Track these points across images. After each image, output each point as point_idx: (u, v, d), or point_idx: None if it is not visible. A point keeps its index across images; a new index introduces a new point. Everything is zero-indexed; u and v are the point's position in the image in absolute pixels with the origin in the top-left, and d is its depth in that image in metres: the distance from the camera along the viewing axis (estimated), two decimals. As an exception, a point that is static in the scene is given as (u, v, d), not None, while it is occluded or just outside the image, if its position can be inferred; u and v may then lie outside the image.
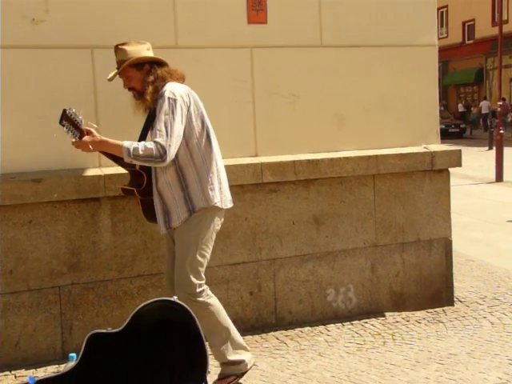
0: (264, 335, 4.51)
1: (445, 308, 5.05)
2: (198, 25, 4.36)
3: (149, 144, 3.38)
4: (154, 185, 3.62)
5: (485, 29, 32.86)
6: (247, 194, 4.53)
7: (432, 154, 4.97)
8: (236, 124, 4.52)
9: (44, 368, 3.98)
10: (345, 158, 4.75)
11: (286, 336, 4.50)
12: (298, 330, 4.60)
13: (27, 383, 2.89)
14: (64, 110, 3.30)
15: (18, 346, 4.02)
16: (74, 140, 3.41)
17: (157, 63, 3.63)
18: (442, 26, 36.26)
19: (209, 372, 3.17)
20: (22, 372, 3.92)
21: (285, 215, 4.65)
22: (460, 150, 5.11)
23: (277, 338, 4.46)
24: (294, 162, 4.59)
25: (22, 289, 4.00)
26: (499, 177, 13.10)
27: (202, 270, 3.62)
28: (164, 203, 3.61)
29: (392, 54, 4.92)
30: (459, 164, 5.09)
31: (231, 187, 4.39)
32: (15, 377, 3.89)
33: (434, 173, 5.04)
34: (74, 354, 3.13)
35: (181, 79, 3.65)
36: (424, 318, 4.83)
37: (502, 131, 14.07)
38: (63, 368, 3.16)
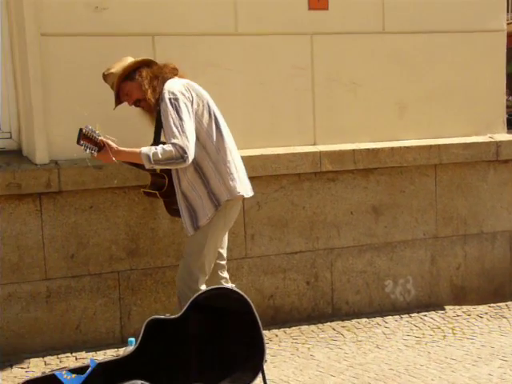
0: (320, 325, 4.47)
1: (508, 303, 4.91)
2: (258, 11, 4.32)
3: (167, 147, 3.32)
4: (176, 187, 3.54)
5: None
6: (305, 182, 4.49)
7: (497, 143, 4.83)
8: (295, 112, 4.48)
9: (103, 351, 4.04)
10: (405, 147, 4.65)
11: (343, 327, 4.45)
12: (354, 321, 4.55)
13: (88, 365, 2.92)
14: (80, 130, 3.26)
15: (79, 328, 4.09)
16: (92, 154, 3.37)
17: (145, 65, 3.56)
18: (508, 11, 35.17)
19: (265, 360, 3.15)
20: (83, 354, 3.99)
21: (343, 205, 4.59)
22: (527, 140, 4.94)
23: (333, 329, 4.42)
24: (353, 150, 4.52)
25: (82, 273, 4.06)
26: None
27: (209, 265, 3.60)
28: (190, 204, 3.54)
29: (457, 40, 4.79)
30: (526, 154, 4.93)
31: (289, 175, 4.40)
32: (76, 359, 3.96)
33: (498, 163, 4.89)
34: (132, 339, 3.16)
35: (173, 72, 3.58)
36: (486, 313, 4.70)
37: None
38: (122, 352, 3.20)
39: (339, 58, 4.54)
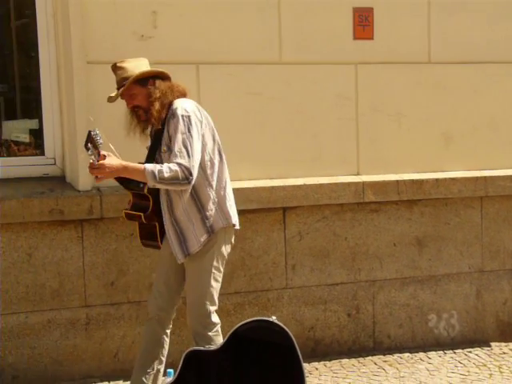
0: (361, 359, 4.37)
1: (556, 341, 4.74)
2: (302, 40, 4.31)
3: (172, 166, 3.15)
4: (167, 211, 3.34)
5: None
6: (347, 213, 4.42)
7: (544, 176, 4.70)
8: (338, 141, 4.43)
9: (141, 381, 3.99)
10: (451, 178, 4.56)
11: (385, 361, 4.34)
12: (396, 355, 4.44)
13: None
14: (89, 132, 3.12)
15: (117, 357, 4.06)
16: (91, 161, 3.17)
17: (160, 77, 3.40)
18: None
19: (306, 396, 3.07)
20: (120, 383, 3.95)
21: (386, 236, 4.51)
22: None
23: (375, 363, 4.31)
24: (397, 181, 4.45)
25: (122, 300, 4.04)
26: None
27: (216, 295, 3.42)
28: (180, 230, 3.34)
29: (503, 70, 4.71)
30: None
31: (331, 206, 4.33)
32: (113, 388, 3.93)
33: (545, 196, 4.76)
34: (171, 370, 3.12)
35: (184, 93, 3.42)
36: (534, 351, 4.55)
37: None
38: (161, 383, 3.14)
39: (384, 88, 4.49)
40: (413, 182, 4.48)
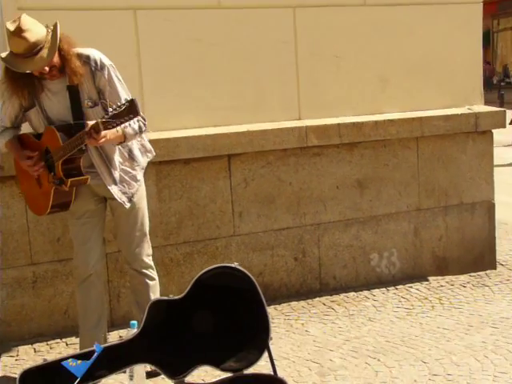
0: (310, 301, 4.46)
1: (487, 272, 4.98)
2: (240, -16, 4.23)
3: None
4: (102, 165, 3.26)
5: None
6: (291, 157, 4.45)
7: (476, 115, 4.86)
8: (279, 86, 4.41)
9: (94, 336, 3.93)
10: (389, 120, 4.65)
11: (333, 301, 4.45)
12: (343, 295, 4.55)
13: (93, 350, 2.84)
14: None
15: (67, 313, 3.98)
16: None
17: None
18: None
19: (271, 338, 3.11)
20: (73, 340, 3.88)
21: (328, 179, 4.57)
22: (505, 111, 5.01)
23: (323, 304, 4.41)
24: (338, 124, 4.49)
25: (69, 256, 3.91)
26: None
27: None
28: (121, 177, 3.36)
29: (436, 11, 4.79)
30: (503, 125, 4.99)
31: (275, 151, 4.35)
32: (66, 344, 3.86)
33: (477, 134, 4.93)
34: (135, 322, 3.08)
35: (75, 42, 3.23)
36: (468, 282, 4.77)
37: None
38: (125, 335, 3.11)
39: (322, 32, 4.48)
40: (353, 124, 4.54)
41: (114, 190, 3.31)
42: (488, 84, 21.93)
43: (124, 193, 3.35)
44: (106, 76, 3.18)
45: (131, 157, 3.37)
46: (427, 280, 4.81)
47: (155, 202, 4.09)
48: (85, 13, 3.84)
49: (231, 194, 4.29)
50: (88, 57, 3.18)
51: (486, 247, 5.07)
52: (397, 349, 3.67)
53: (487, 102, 5.16)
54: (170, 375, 3.04)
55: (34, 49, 3.02)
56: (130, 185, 3.36)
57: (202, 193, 4.23)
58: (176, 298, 3.10)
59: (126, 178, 3.35)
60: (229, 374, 3.10)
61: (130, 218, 3.43)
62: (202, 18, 4.18)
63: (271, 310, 4.28)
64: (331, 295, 4.54)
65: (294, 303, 4.41)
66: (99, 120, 2.96)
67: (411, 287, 4.68)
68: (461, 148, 4.91)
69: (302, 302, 4.43)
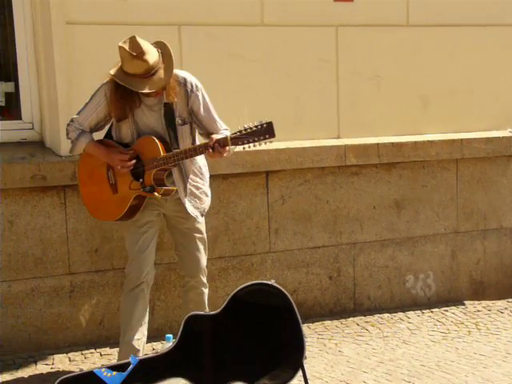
0: (343, 320, 4.43)
1: (526, 298, 4.90)
2: (284, 2, 4.25)
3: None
4: (179, 179, 3.41)
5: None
6: (329, 176, 4.44)
7: (518, 138, 4.81)
8: (319, 104, 4.42)
9: (127, 347, 3.95)
10: (429, 141, 4.62)
11: (366, 322, 4.41)
12: (377, 316, 4.51)
13: (129, 362, 2.85)
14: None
15: (102, 324, 4.01)
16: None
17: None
18: None
19: (305, 357, 3.09)
20: (107, 350, 3.91)
21: (366, 199, 4.55)
22: (547, 135, 4.92)
23: (357, 324, 4.38)
24: (377, 144, 4.48)
25: (106, 267, 3.98)
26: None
27: None
28: (196, 192, 3.52)
29: (480, 33, 4.76)
30: (545, 149, 4.91)
31: (313, 169, 4.34)
32: (100, 355, 3.88)
33: (518, 158, 4.87)
34: (170, 335, 3.09)
35: None
36: (506, 308, 4.69)
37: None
38: (161, 348, 3.12)
39: (364, 51, 4.48)
40: (392, 145, 4.52)
41: (188, 205, 3.42)
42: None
43: (196, 208, 3.47)
44: (201, 99, 3.40)
45: (201, 172, 3.52)
46: (463, 304, 4.74)
47: (192, 216, 4.10)
48: (131, 27, 3.88)
49: (268, 211, 4.30)
50: (184, 79, 3.38)
51: (524, 273, 5.00)
52: (432, 373, 3.62)
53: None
54: (204, 390, 3.04)
55: (152, 70, 3.20)
56: (201, 200, 3.50)
57: (239, 208, 4.24)
58: (212, 313, 3.10)
59: (197, 193, 3.48)
60: (262, 392, 3.09)
61: (198, 232, 3.54)
62: (244, 34, 4.20)
63: (304, 329, 4.23)
64: (365, 316, 4.50)
65: (327, 322, 4.38)
66: (228, 135, 3.20)
67: (447, 311, 4.62)
68: (501, 171, 4.86)
69: (336, 322, 4.40)
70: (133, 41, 3.19)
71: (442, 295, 4.79)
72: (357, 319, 4.45)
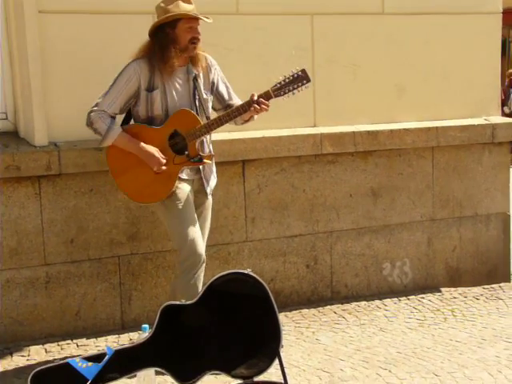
0: (321, 309, 4.45)
1: (501, 284, 4.95)
2: (259, -10, 4.23)
3: None
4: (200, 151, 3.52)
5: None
6: (305, 165, 4.44)
7: (493, 126, 4.84)
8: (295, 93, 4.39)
9: (104, 338, 3.95)
10: (404, 129, 4.63)
11: (344, 310, 4.43)
12: (354, 304, 4.53)
13: (104, 353, 2.84)
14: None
15: (79, 315, 3.99)
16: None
17: None
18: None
19: (282, 346, 3.10)
20: (84, 341, 3.89)
21: (342, 187, 4.56)
22: (522, 123, 4.97)
23: (334, 312, 4.40)
24: (353, 132, 4.48)
25: (82, 258, 3.96)
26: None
27: None
28: (209, 166, 3.66)
29: (454, 21, 4.77)
30: (521, 137, 4.96)
31: (290, 158, 4.34)
32: (77, 345, 3.86)
33: (493, 145, 4.91)
34: (146, 325, 3.08)
35: None
36: (481, 295, 4.74)
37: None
38: (136, 338, 3.11)
39: (339, 39, 4.48)
40: (368, 133, 4.53)
41: (207, 184, 3.61)
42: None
43: (210, 187, 3.66)
44: (219, 72, 3.65)
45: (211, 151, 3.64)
46: (440, 291, 4.78)
47: (169, 205, 4.09)
48: (105, 16, 3.85)
49: (244, 200, 4.29)
50: (204, 54, 3.58)
51: (500, 259, 5.05)
52: (408, 360, 3.65)
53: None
54: (180, 380, 3.03)
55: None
56: (212, 180, 3.69)
57: (215, 198, 4.20)
58: (188, 303, 3.10)
59: (213, 171, 3.69)
60: (239, 381, 3.09)
61: (210, 211, 3.72)
62: (220, 23, 4.15)
63: (282, 317, 4.26)
64: (342, 304, 4.52)
65: (304, 311, 4.40)
66: (270, 88, 3.43)
67: (423, 298, 4.66)
68: (476, 159, 4.89)
69: (313, 310, 4.42)
70: None
71: (419, 282, 4.83)
72: (334, 307, 4.47)
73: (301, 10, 4.38)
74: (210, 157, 3.55)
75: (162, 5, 3.44)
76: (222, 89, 3.65)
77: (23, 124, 3.90)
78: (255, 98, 3.40)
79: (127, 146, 3.42)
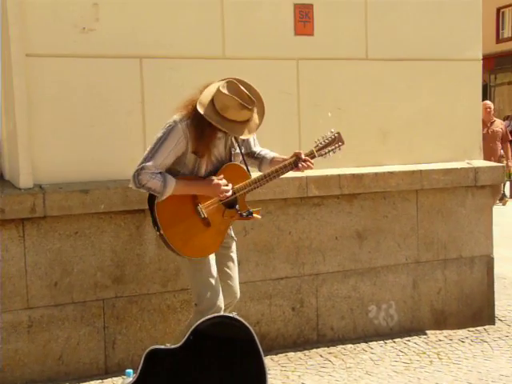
0: (307, 352, 4.42)
1: (486, 327, 4.95)
2: (245, 36, 4.31)
3: None
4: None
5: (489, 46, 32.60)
6: (291, 207, 4.46)
7: (476, 169, 4.90)
8: (281, 135, 4.45)
9: (87, 383, 3.90)
10: (389, 172, 4.68)
11: (330, 353, 4.41)
12: (340, 347, 4.51)
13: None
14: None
15: (61, 359, 3.93)
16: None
17: None
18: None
19: (267, 391, 3.07)
20: (66, 387, 3.83)
21: (328, 230, 4.58)
22: (503, 166, 5.04)
23: (320, 355, 4.37)
24: (339, 175, 4.52)
25: (66, 301, 3.92)
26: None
27: None
28: None
29: (436, 67, 4.87)
30: (502, 180, 5.03)
31: (275, 200, 4.35)
32: (59, 392, 3.81)
33: (476, 189, 4.96)
34: (130, 370, 3.05)
35: None
36: (467, 337, 4.73)
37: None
38: (121, 383, 3.07)
39: (324, 84, 4.55)
40: (353, 176, 4.56)
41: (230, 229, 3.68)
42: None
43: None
44: None
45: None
46: (425, 334, 4.78)
47: (154, 248, 4.09)
48: (92, 60, 3.90)
49: (230, 242, 4.28)
50: None
51: (484, 302, 5.06)
52: (395, 404, 3.63)
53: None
54: (165, 426, 2.99)
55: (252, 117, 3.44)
56: None
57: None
58: (173, 347, 3.07)
59: None
60: (224, 427, 3.05)
61: (235, 255, 3.77)
62: (206, 67, 4.23)
63: (267, 361, 4.23)
64: (328, 347, 4.50)
65: (290, 354, 4.37)
66: (313, 148, 3.65)
67: (409, 341, 4.65)
68: (460, 202, 4.94)
69: (299, 353, 4.39)
70: (238, 89, 3.36)
71: (405, 325, 4.82)
72: (320, 350, 4.44)
73: (286, 55, 4.45)
74: (258, 211, 3.58)
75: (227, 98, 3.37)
76: (245, 141, 3.72)
77: (8, 167, 3.91)
78: (302, 156, 3.57)
79: (185, 190, 3.41)
